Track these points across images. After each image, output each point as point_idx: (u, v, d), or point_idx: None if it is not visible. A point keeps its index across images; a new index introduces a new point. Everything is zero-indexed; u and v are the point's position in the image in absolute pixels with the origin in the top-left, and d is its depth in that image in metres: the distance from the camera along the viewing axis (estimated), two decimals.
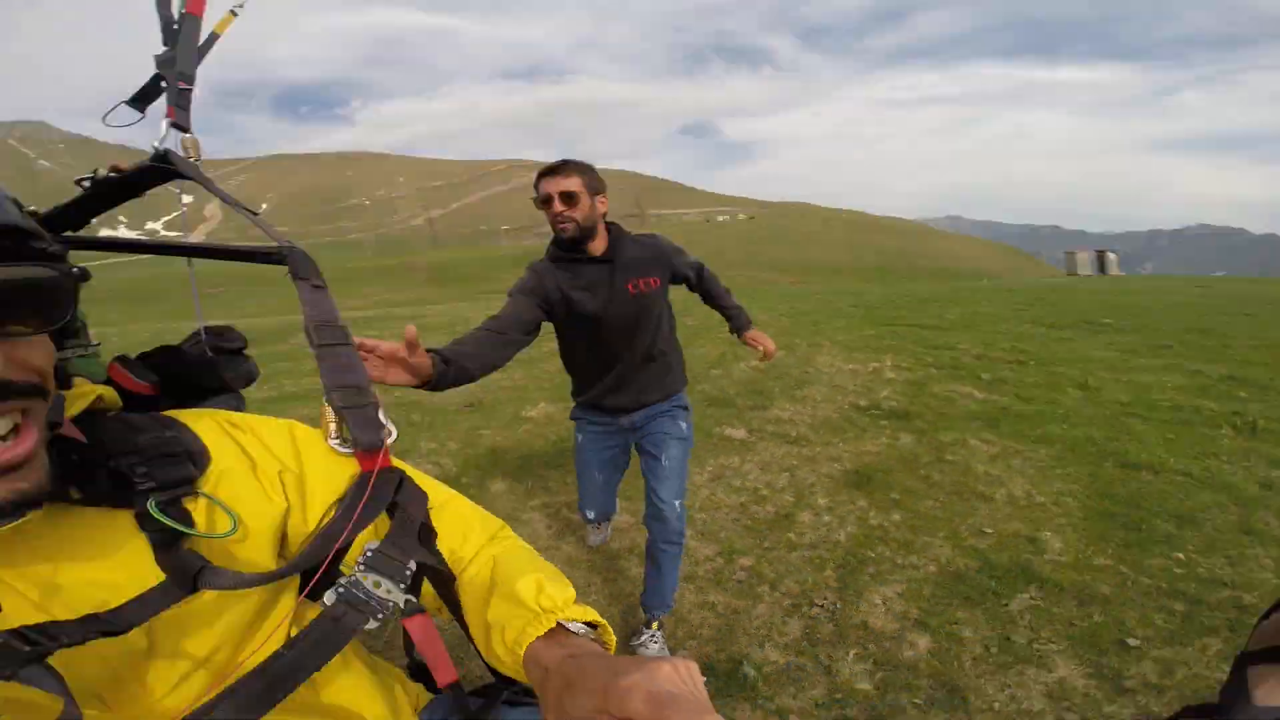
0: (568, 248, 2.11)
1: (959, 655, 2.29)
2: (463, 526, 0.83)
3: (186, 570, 0.65)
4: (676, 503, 2.31)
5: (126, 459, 0.66)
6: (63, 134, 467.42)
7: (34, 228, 0.56)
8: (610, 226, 2.17)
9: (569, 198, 2.01)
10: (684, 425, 2.38)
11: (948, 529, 3.16)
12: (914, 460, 4.00)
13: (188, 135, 1.12)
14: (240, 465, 0.74)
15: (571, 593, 0.71)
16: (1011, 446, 4.15)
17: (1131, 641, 2.30)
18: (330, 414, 0.79)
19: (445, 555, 0.79)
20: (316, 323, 0.81)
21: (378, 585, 0.69)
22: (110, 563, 0.64)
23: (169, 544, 0.66)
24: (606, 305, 2.13)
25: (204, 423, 0.75)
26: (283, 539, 0.76)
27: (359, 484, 0.74)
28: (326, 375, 0.78)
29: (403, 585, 0.70)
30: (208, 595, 0.67)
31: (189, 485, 0.69)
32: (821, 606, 2.62)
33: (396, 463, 0.80)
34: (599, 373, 2.33)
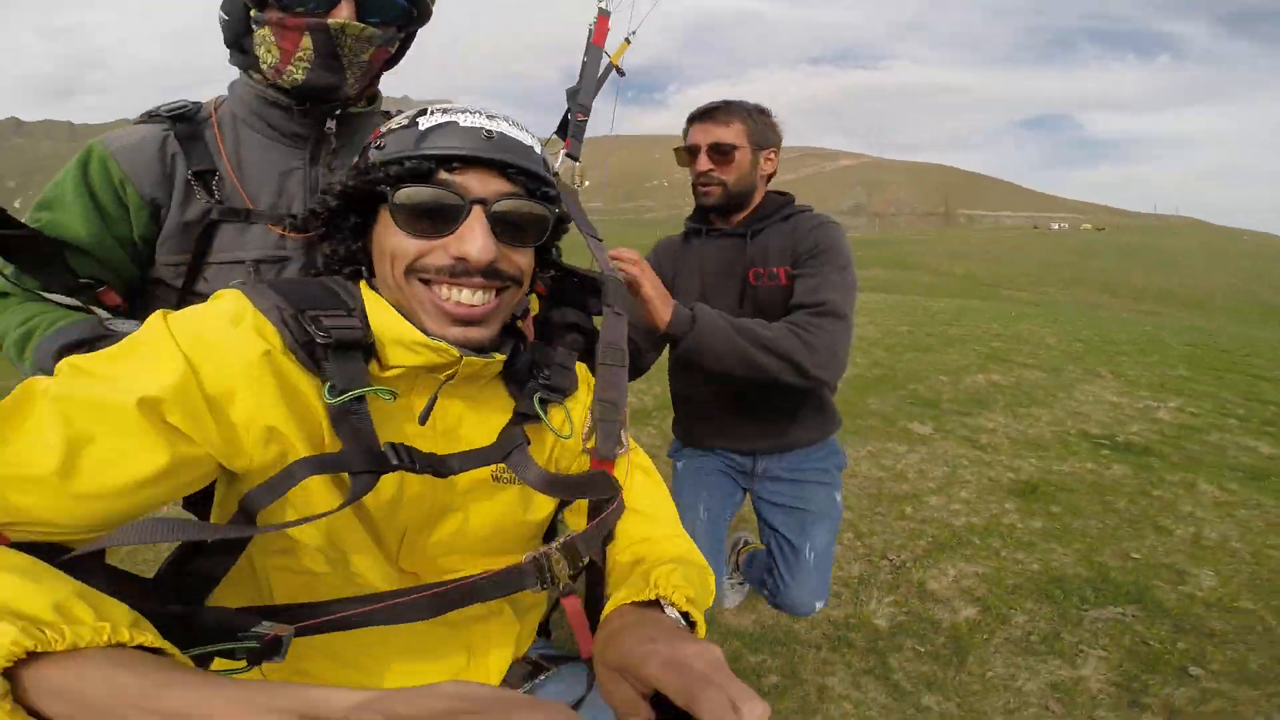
0: (700, 217, 1.73)
1: (994, 631, 2.34)
2: (650, 526, 0.92)
3: (508, 446, 0.84)
4: (817, 604, 1.83)
5: (540, 360, 0.90)
6: None
7: (548, 177, 0.79)
8: (771, 195, 1.71)
9: (722, 151, 1.57)
10: (836, 496, 1.83)
11: (1087, 545, 2.95)
12: (1109, 487, 3.61)
13: (578, 164, 1.37)
14: (581, 409, 0.94)
15: (687, 589, 0.74)
16: (1254, 499, 3.43)
17: (1194, 670, 2.08)
18: (589, 419, 0.93)
19: (629, 539, 0.90)
20: (607, 344, 0.94)
21: (558, 564, 0.82)
22: (483, 425, 0.85)
23: (516, 423, 0.86)
24: (712, 293, 1.66)
25: (582, 368, 0.97)
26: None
27: (594, 481, 0.90)
28: (599, 388, 0.91)
29: (572, 572, 0.83)
30: (501, 483, 0.85)
31: (561, 397, 0.90)
32: (890, 560, 2.81)
33: (623, 464, 0.93)
34: (702, 396, 1.79)
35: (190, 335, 0.67)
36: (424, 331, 0.75)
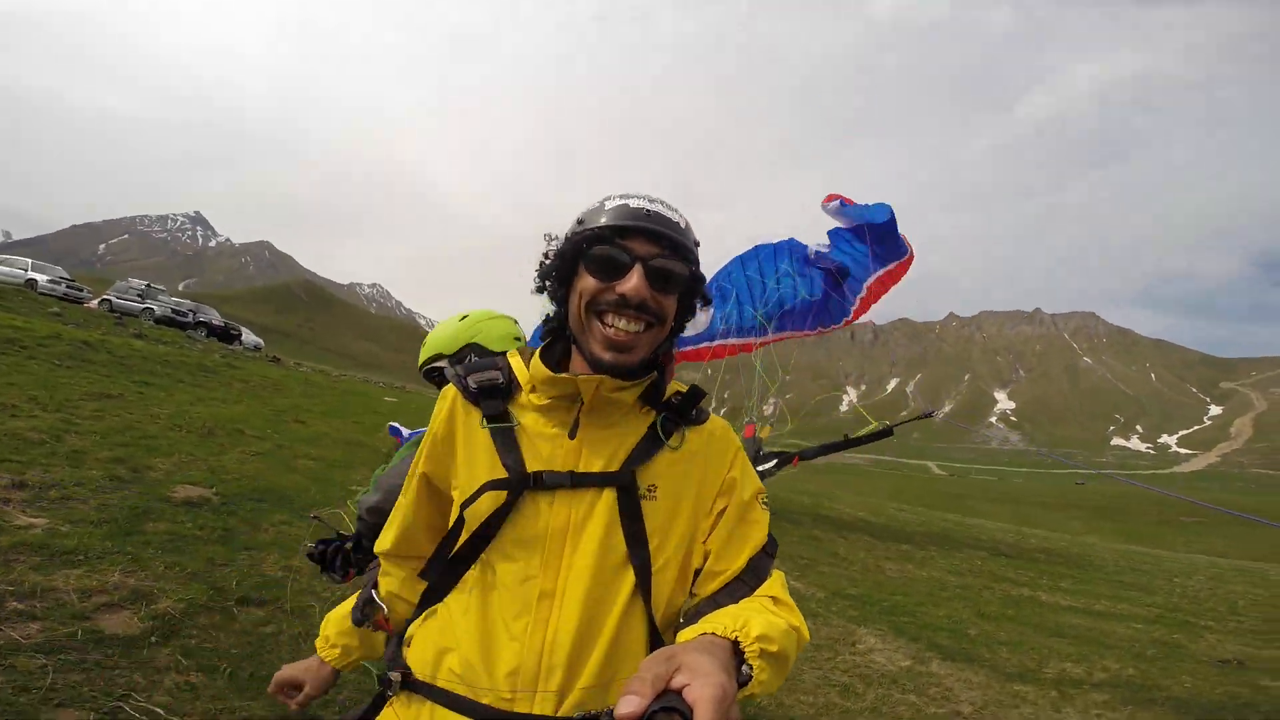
0: None
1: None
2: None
3: (632, 463, 1.06)
4: None
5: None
6: (1108, 327, 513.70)
7: (688, 244, 1.07)
8: None
9: None
10: None
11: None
12: None
13: None
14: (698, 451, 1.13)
15: (759, 635, 0.84)
16: None
17: None
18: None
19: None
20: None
21: None
22: (622, 441, 1.08)
23: (648, 444, 1.09)
24: None
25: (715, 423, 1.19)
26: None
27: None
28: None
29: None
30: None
31: (683, 424, 1.12)
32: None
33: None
34: None
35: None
36: (590, 361, 1.06)
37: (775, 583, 1.05)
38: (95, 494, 4.67)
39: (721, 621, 0.85)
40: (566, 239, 1.09)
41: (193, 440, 7.25)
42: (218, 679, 2.77)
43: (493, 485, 1.04)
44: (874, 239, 8.20)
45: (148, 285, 30.13)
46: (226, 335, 29.58)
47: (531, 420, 1.09)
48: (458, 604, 1.06)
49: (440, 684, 1.02)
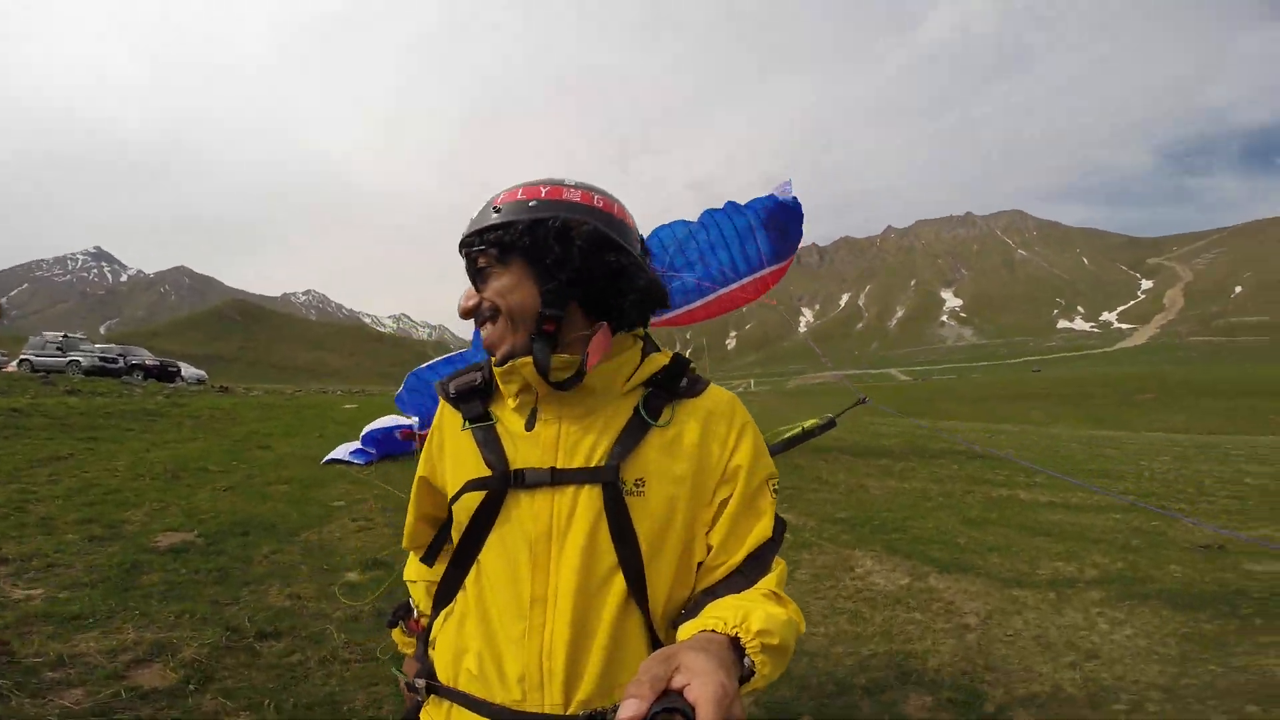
0: None
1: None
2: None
3: (615, 456, 1.00)
4: None
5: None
6: (1036, 221, 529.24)
7: (495, 222, 1.01)
8: None
9: None
10: None
11: None
12: None
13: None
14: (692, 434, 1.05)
15: (760, 630, 0.82)
16: None
17: None
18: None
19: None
20: None
21: None
22: (603, 430, 1.02)
23: (633, 428, 1.03)
24: None
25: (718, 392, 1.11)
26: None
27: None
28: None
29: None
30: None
31: (671, 402, 1.06)
32: None
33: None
34: None
35: None
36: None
37: (774, 578, 1.00)
38: (79, 556, 4.55)
39: (721, 617, 0.84)
40: None
41: (159, 486, 7.04)
42: (266, 714, 2.81)
43: (474, 484, 1.04)
44: (780, 232, 8.61)
45: (65, 336, 28.21)
46: (165, 374, 27.82)
47: (511, 420, 1.07)
48: (464, 606, 1.07)
49: (460, 686, 1.03)
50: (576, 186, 1.04)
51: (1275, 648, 3.68)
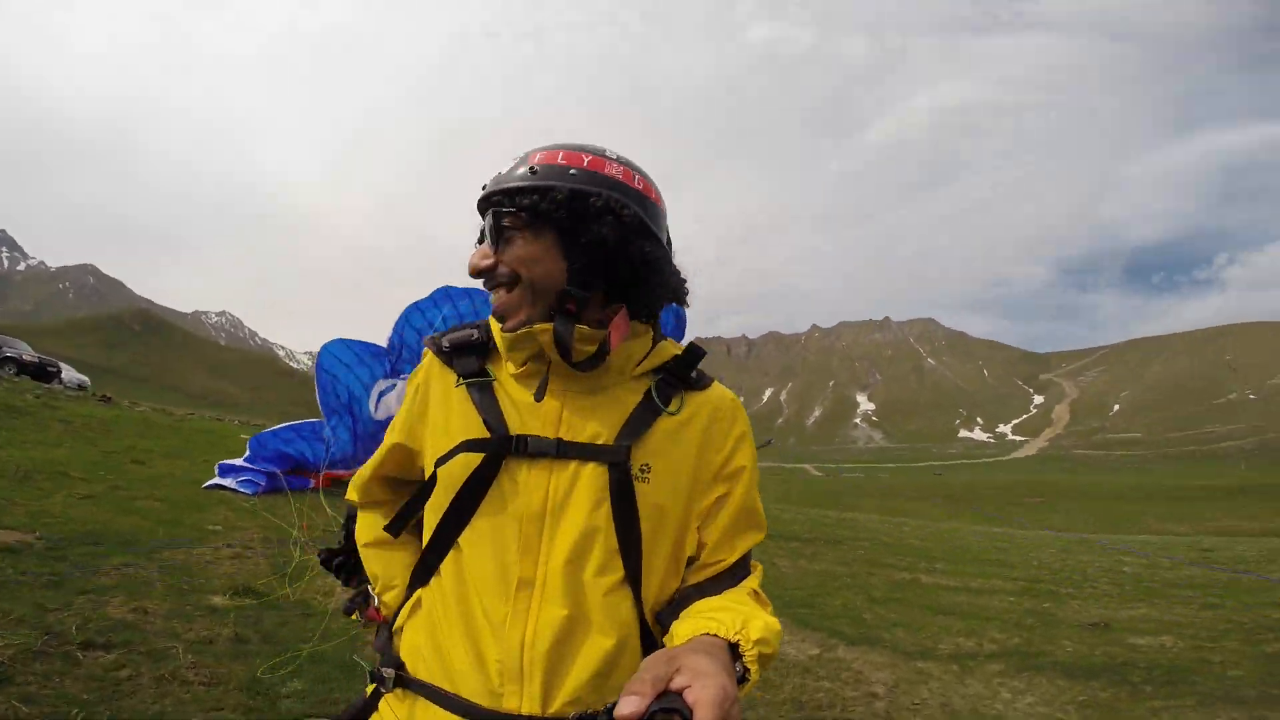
0: None
1: None
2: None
3: (626, 436, 0.95)
4: None
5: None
6: (945, 331, 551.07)
7: (514, 187, 0.93)
8: None
9: None
10: None
11: None
12: None
13: None
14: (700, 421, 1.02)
15: (758, 639, 0.82)
16: None
17: None
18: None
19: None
20: None
21: None
22: (612, 410, 0.97)
23: (643, 412, 0.97)
24: None
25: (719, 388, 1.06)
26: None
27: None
28: None
29: None
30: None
31: (681, 391, 1.01)
32: None
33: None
34: None
35: None
36: None
37: (756, 577, 1.02)
38: None
39: (721, 620, 0.83)
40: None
41: (4, 485, 6.29)
42: None
43: (471, 445, 0.95)
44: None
45: None
46: (42, 372, 25.08)
47: (511, 386, 1.00)
48: (439, 592, 0.97)
49: (427, 679, 0.95)
50: (618, 161, 0.98)
51: (1168, 712, 3.93)
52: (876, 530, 15.53)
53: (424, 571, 1.01)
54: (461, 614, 0.93)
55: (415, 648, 0.98)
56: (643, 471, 0.94)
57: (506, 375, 1.01)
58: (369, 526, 1.14)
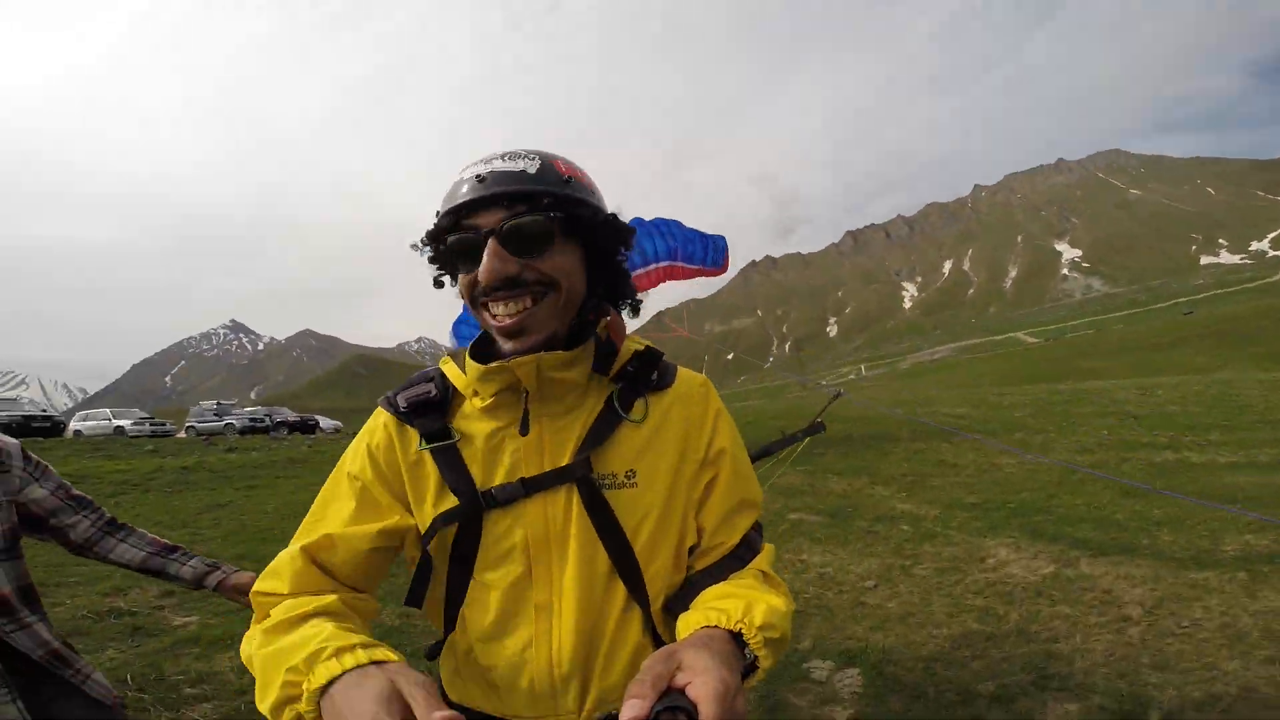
0: None
1: None
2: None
3: (585, 449, 0.93)
4: None
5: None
6: (1139, 158, 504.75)
7: (538, 190, 0.89)
8: None
9: None
10: None
11: None
12: None
13: None
14: (680, 417, 1.01)
15: (762, 624, 0.82)
16: None
17: None
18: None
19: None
20: None
21: None
22: (580, 425, 0.95)
23: (603, 423, 0.96)
24: None
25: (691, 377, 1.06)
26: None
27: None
28: None
29: None
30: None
31: (644, 393, 1.00)
32: None
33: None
34: None
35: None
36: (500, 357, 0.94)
37: (765, 557, 1.01)
38: None
39: (723, 609, 0.84)
40: (428, 235, 0.96)
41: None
42: None
43: (443, 519, 0.93)
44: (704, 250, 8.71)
45: (218, 404, 33.85)
46: (305, 427, 32.27)
47: (480, 428, 0.96)
48: (464, 632, 0.98)
49: (470, 706, 0.98)
50: (584, 173, 0.99)
51: None
52: (1121, 400, 13.14)
53: (449, 621, 1.00)
54: (494, 645, 0.95)
55: (448, 673, 1.02)
56: (628, 478, 0.95)
57: (472, 419, 0.98)
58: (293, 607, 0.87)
